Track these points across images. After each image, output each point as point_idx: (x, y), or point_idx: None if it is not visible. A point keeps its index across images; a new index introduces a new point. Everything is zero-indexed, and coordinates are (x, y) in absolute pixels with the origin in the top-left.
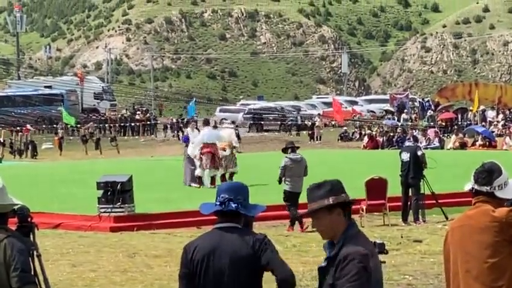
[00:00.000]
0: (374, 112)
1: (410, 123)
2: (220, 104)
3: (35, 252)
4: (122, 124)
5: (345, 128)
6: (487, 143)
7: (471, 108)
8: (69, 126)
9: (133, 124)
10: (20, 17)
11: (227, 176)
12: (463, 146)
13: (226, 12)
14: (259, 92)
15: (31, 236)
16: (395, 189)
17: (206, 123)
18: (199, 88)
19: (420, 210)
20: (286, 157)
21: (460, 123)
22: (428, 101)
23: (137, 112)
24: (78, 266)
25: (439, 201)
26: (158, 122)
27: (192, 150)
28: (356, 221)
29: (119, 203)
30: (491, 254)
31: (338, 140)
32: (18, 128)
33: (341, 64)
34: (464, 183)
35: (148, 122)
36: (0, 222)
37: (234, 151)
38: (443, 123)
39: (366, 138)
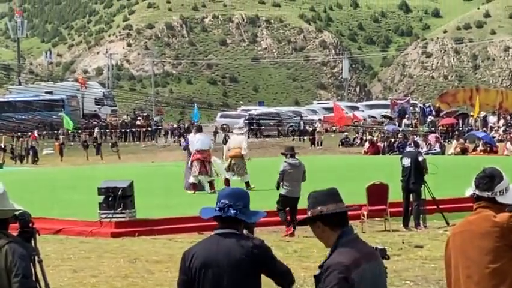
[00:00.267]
0: (375, 117)
1: (411, 129)
2: (220, 110)
3: (36, 258)
4: (123, 130)
5: (346, 133)
6: (488, 149)
7: (472, 113)
8: (70, 131)
9: (133, 130)
10: (21, 22)
11: (243, 185)
12: (463, 151)
13: (227, 18)
14: (260, 98)
15: (32, 242)
16: (396, 194)
17: (199, 130)
18: (200, 93)
19: (421, 216)
20: (285, 162)
21: (460, 128)
22: (429, 106)
23: (138, 118)
24: (79, 272)
25: (440, 206)
26: (160, 127)
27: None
28: (357, 227)
29: (120, 209)
30: (492, 260)
31: (339, 145)
32: (23, 133)
33: (341, 69)
34: (465, 188)
35: (149, 128)
36: (1, 227)
37: (244, 158)
38: (444, 129)
39: (367, 144)
